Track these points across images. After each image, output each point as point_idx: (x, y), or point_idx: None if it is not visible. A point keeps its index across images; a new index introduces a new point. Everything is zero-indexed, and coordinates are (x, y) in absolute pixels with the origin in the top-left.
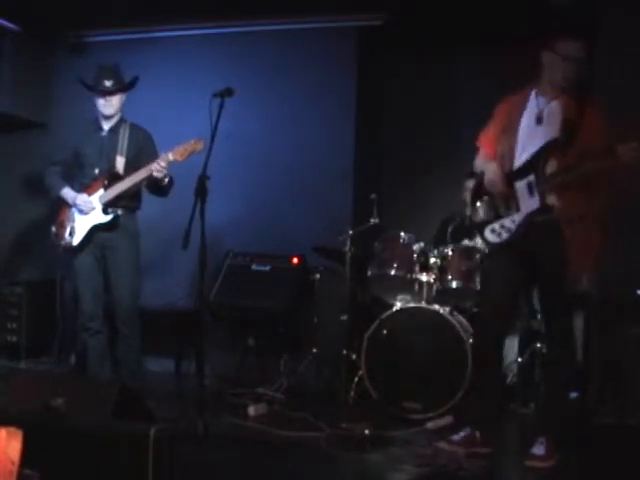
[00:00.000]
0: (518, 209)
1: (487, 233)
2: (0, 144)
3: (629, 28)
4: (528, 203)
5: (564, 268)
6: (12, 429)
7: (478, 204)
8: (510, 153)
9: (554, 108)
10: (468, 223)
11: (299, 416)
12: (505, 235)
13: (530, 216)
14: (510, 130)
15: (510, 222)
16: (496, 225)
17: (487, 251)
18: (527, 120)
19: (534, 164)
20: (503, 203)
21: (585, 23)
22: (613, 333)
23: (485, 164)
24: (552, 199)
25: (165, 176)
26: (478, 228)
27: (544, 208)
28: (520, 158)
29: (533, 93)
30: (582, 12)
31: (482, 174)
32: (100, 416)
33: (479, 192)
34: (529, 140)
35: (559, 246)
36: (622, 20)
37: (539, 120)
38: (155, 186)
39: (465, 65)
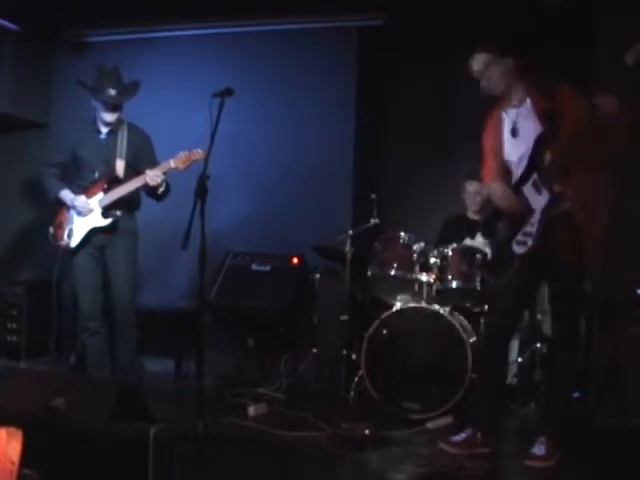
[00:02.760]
0: (532, 211)
1: (515, 247)
2: (0, 144)
3: (628, 28)
4: (539, 200)
5: (577, 266)
6: (12, 429)
7: (499, 225)
8: (503, 172)
9: (525, 111)
10: (496, 244)
11: (299, 416)
12: (530, 241)
13: (545, 211)
14: (496, 152)
15: (530, 226)
16: (519, 236)
17: (517, 264)
18: (506, 137)
19: (533, 164)
20: (519, 215)
21: (582, 17)
22: (613, 333)
23: (487, 187)
24: (558, 187)
25: (160, 185)
26: (506, 246)
27: (555, 198)
28: (516, 173)
29: (502, 112)
30: (578, 7)
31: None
32: (100, 416)
33: (496, 214)
34: (514, 155)
35: (573, 243)
36: (621, 20)
37: (514, 132)
38: (150, 192)
39: (465, 65)
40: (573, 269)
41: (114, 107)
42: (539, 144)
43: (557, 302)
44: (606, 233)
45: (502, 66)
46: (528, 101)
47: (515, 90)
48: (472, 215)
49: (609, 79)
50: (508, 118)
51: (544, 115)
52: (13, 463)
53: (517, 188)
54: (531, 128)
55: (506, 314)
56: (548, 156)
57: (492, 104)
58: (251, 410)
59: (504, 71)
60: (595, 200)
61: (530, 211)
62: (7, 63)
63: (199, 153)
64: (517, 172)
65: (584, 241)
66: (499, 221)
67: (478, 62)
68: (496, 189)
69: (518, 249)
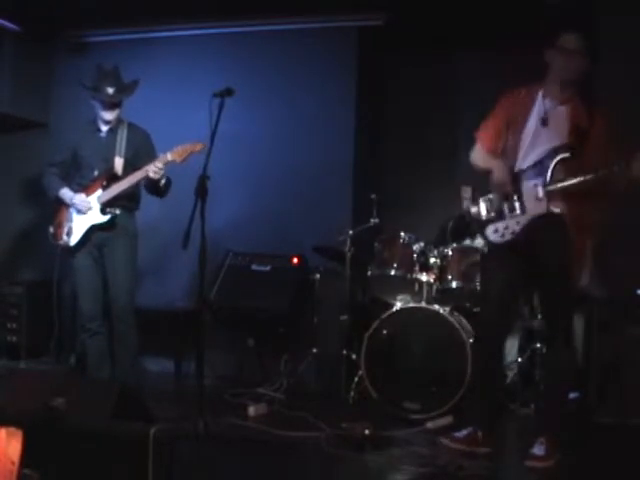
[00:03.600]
0: (524, 211)
1: (490, 232)
2: (0, 144)
3: (628, 28)
4: (535, 206)
5: (566, 266)
6: (12, 429)
7: (480, 200)
8: (514, 152)
9: (562, 112)
10: (468, 218)
11: (299, 416)
12: (509, 236)
13: (536, 219)
14: (515, 128)
15: (515, 224)
16: (500, 225)
17: (487, 249)
18: (533, 121)
19: (543, 167)
20: (507, 203)
21: (582, 17)
22: (613, 333)
23: (489, 161)
24: (558, 204)
25: (162, 177)
26: (480, 225)
27: (550, 213)
28: (525, 159)
29: (540, 94)
30: (578, 7)
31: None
32: (100, 416)
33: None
34: (534, 142)
35: (562, 244)
36: (621, 20)
37: (544, 122)
38: (152, 187)
39: (465, 65)
40: (558, 271)
41: (112, 105)
42: (557, 152)
43: (548, 304)
44: (594, 252)
45: (587, 62)
46: (570, 106)
47: (568, 89)
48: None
49: (609, 79)
50: (543, 105)
51: (576, 129)
52: (13, 463)
53: (517, 179)
54: (561, 130)
55: (492, 310)
56: (560, 170)
57: (493, 102)
58: (251, 410)
59: (585, 67)
60: (592, 224)
61: (521, 210)
62: (7, 63)
63: (196, 145)
64: (524, 160)
65: (573, 249)
66: (482, 197)
67: (584, 42)
68: (501, 170)
69: (493, 237)
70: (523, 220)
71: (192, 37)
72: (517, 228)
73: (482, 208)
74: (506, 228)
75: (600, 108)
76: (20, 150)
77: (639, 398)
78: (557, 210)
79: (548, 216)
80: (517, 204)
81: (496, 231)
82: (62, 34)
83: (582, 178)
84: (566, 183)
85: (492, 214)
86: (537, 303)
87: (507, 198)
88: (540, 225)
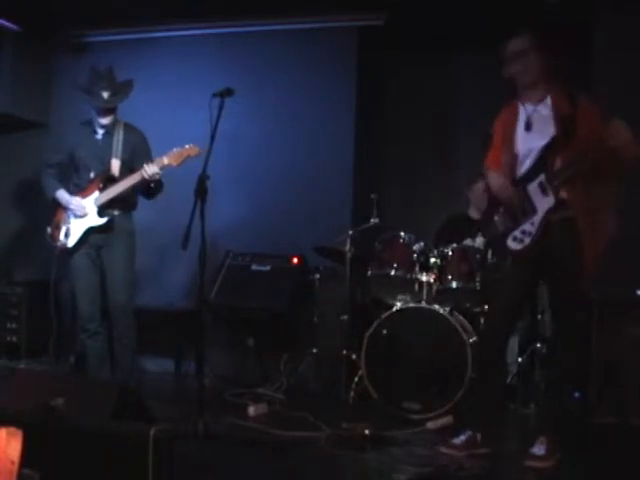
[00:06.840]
0: (535, 211)
1: (510, 242)
2: (0, 144)
3: (628, 28)
4: (543, 202)
5: (579, 267)
6: (12, 429)
7: (496, 218)
8: (511, 165)
9: (543, 109)
10: (489, 238)
11: (299, 416)
12: (527, 240)
13: (547, 214)
14: (507, 143)
15: (529, 225)
16: (517, 232)
17: (510, 260)
18: (520, 130)
19: (542, 164)
20: (520, 210)
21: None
22: (613, 333)
23: (487, 177)
24: (565, 193)
25: (155, 180)
26: (501, 240)
27: (559, 204)
28: (522, 167)
29: (520, 103)
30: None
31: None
32: (100, 416)
33: (494, 206)
34: (526, 147)
35: (576, 245)
36: (620, 20)
37: (528, 127)
38: (143, 189)
39: (465, 66)
40: (573, 272)
41: (107, 111)
42: (551, 146)
43: (556, 304)
44: (609, 243)
45: (540, 57)
46: (548, 101)
47: (539, 86)
48: (474, 215)
49: (609, 79)
50: (525, 112)
51: (561, 119)
52: (13, 463)
53: (520, 184)
54: (546, 127)
55: (504, 312)
56: (558, 161)
57: (492, 103)
58: (251, 410)
59: (540, 62)
60: (601, 210)
61: (532, 210)
62: (7, 63)
63: (193, 149)
64: (522, 167)
65: (585, 247)
66: (495, 213)
67: (523, 42)
68: (495, 177)
69: (513, 245)
70: (537, 219)
71: (192, 37)
72: (532, 229)
73: (499, 224)
74: (523, 232)
75: (579, 93)
76: (20, 150)
77: (639, 398)
78: (566, 197)
79: (560, 209)
80: (527, 206)
81: (515, 239)
82: (62, 34)
83: (576, 164)
84: (566, 173)
85: (508, 226)
86: (538, 302)
87: (519, 205)
88: (554, 222)
